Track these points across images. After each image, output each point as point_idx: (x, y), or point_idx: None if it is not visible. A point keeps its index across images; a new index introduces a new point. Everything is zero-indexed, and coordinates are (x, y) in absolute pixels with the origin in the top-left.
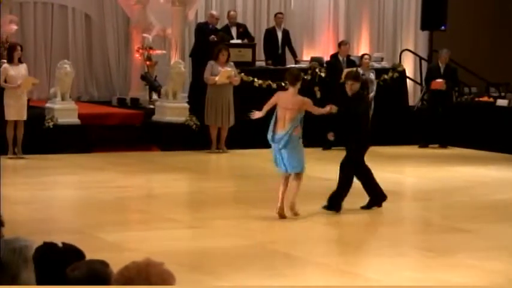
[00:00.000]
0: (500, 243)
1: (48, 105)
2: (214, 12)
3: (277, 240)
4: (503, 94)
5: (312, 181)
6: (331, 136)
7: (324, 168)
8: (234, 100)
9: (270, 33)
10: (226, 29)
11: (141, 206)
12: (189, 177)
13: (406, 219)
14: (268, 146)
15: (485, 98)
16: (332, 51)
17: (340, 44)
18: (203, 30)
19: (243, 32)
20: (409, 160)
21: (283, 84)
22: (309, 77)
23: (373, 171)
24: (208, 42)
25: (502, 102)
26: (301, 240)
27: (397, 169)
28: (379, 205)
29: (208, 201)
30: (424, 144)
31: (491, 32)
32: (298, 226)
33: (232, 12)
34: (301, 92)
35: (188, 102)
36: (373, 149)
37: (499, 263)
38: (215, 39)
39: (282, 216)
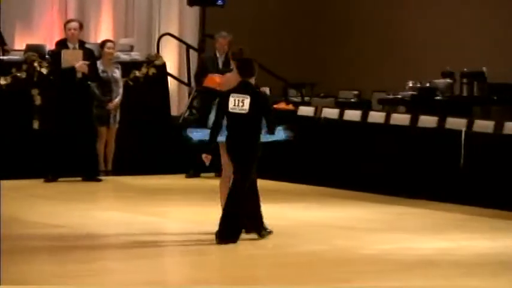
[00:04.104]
0: None
1: None
2: None
3: None
4: (307, 99)
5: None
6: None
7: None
8: None
9: None
10: None
11: None
12: None
13: None
14: None
15: (283, 105)
16: (59, 37)
17: (66, 24)
18: None
19: None
20: (173, 195)
21: None
22: (23, 75)
23: (128, 211)
24: None
25: (306, 111)
26: None
27: (160, 210)
28: None
29: None
30: (194, 172)
31: (289, 9)
32: None
33: None
34: (15, 97)
35: None
36: (121, 181)
37: None
38: None
39: None
